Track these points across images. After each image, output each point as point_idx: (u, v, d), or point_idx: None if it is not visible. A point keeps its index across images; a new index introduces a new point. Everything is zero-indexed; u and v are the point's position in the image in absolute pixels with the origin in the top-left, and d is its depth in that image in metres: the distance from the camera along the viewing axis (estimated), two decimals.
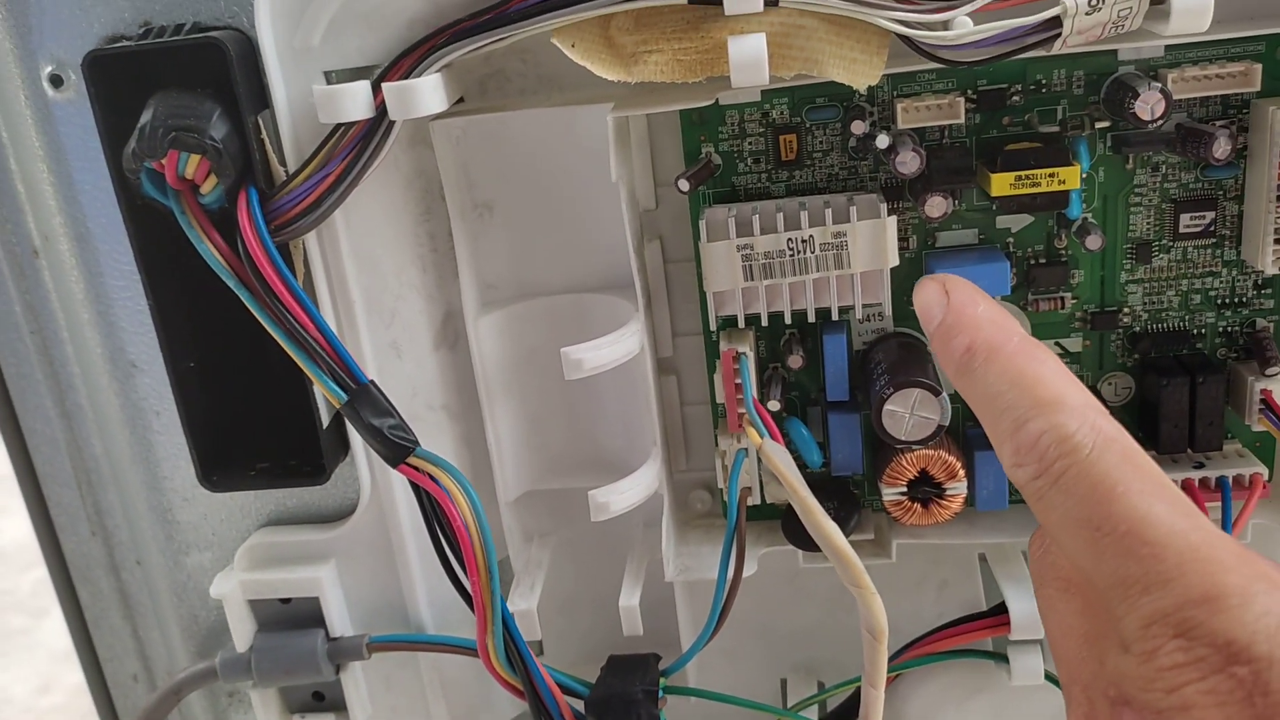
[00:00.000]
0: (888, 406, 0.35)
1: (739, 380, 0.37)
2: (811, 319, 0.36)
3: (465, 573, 0.35)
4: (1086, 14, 0.30)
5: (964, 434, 0.39)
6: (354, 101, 0.33)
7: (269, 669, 0.40)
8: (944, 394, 0.35)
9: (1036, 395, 0.27)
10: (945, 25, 0.31)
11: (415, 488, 0.35)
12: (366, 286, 0.37)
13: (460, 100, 0.37)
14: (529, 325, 0.40)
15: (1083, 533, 0.25)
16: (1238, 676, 0.21)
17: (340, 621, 0.40)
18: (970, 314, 0.29)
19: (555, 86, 0.37)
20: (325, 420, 0.37)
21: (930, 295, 0.31)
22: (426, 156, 0.37)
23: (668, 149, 0.37)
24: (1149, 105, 0.33)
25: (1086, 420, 0.26)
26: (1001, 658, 0.38)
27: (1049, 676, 0.38)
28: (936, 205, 0.35)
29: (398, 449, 0.34)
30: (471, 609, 0.36)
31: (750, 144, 0.36)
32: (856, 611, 0.34)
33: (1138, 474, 0.25)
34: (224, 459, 0.38)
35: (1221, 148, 0.33)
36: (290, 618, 0.40)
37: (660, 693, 0.38)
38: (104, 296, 0.39)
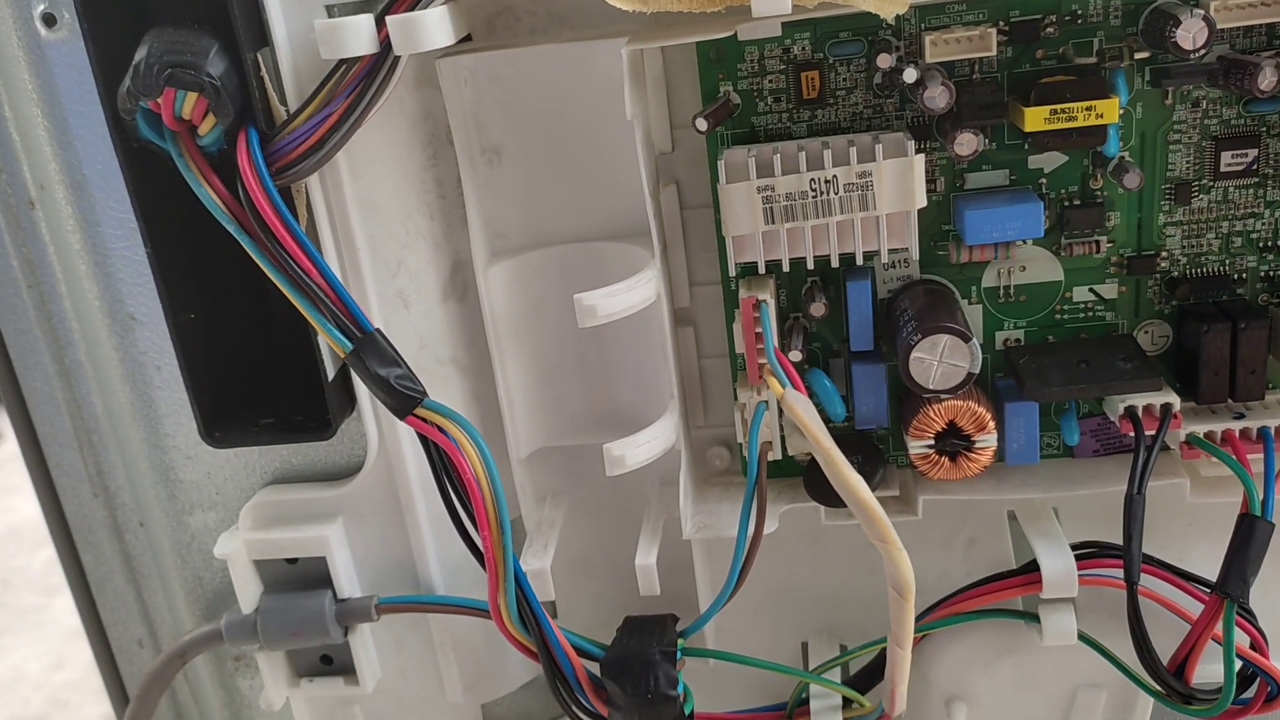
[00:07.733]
0: (915, 353, 0.34)
1: (759, 329, 0.35)
2: (835, 264, 0.35)
3: (476, 528, 0.34)
4: None
5: (993, 385, 0.37)
6: (357, 35, 0.31)
7: (275, 631, 0.38)
8: (974, 340, 0.33)
9: None
10: None
11: (424, 440, 0.34)
12: (371, 234, 0.36)
13: (468, 39, 0.35)
14: (540, 275, 0.38)
15: None
16: None
17: (348, 582, 0.39)
18: None
19: (566, 25, 0.36)
20: (331, 373, 0.36)
21: None
22: (433, 98, 0.36)
23: (684, 89, 0.36)
24: (1191, 34, 0.31)
25: None
26: (1032, 617, 0.37)
27: (1083, 636, 0.36)
28: (967, 143, 0.33)
29: (405, 399, 0.33)
30: (483, 566, 0.35)
31: (770, 82, 0.35)
32: (881, 572, 0.32)
33: None
34: (226, 414, 0.37)
35: (1267, 79, 0.32)
36: (297, 579, 0.39)
37: (679, 654, 0.36)
38: (101, 247, 0.38)
